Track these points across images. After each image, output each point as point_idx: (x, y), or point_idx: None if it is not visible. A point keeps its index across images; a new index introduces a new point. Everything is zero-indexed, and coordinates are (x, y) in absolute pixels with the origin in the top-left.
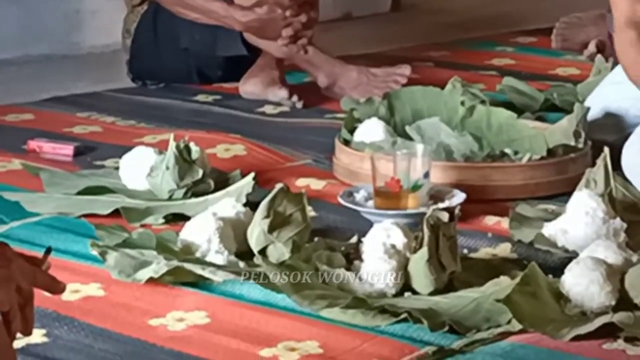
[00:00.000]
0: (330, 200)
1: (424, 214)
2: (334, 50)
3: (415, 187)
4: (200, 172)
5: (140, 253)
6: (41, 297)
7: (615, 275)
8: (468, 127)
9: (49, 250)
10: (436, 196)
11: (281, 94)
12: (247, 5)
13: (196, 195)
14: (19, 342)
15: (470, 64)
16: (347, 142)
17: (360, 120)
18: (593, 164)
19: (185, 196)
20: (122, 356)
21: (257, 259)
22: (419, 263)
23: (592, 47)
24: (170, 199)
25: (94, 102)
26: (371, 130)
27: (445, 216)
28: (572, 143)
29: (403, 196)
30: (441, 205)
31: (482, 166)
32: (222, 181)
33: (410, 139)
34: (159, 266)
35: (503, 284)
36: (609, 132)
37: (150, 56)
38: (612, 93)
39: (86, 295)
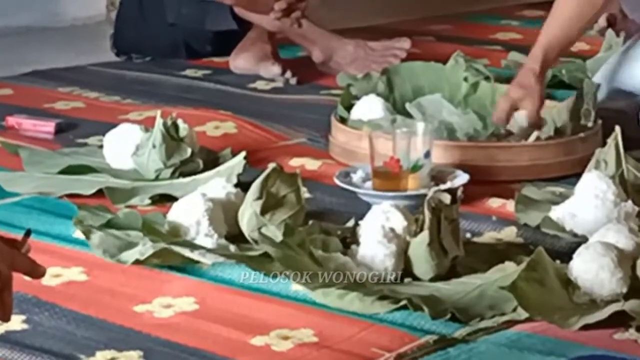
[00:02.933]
0: (326, 181)
1: (424, 195)
2: (330, 23)
3: (416, 168)
4: (189, 150)
5: (125, 234)
6: (20, 282)
7: (627, 261)
8: (472, 104)
9: (28, 232)
10: (438, 177)
11: (274, 69)
12: None
13: (184, 175)
14: None
15: (473, 38)
16: (343, 120)
17: (357, 97)
18: (603, 144)
19: (172, 176)
20: (106, 344)
21: (253, 233)
22: (419, 247)
23: (602, 22)
24: (156, 179)
25: (76, 77)
26: (369, 107)
27: (447, 198)
28: (582, 122)
29: (403, 177)
30: (443, 186)
31: (487, 146)
32: (212, 160)
33: (410, 116)
34: (145, 248)
35: (508, 270)
36: (617, 99)
37: (136, 30)
38: (620, 64)
39: (68, 279)
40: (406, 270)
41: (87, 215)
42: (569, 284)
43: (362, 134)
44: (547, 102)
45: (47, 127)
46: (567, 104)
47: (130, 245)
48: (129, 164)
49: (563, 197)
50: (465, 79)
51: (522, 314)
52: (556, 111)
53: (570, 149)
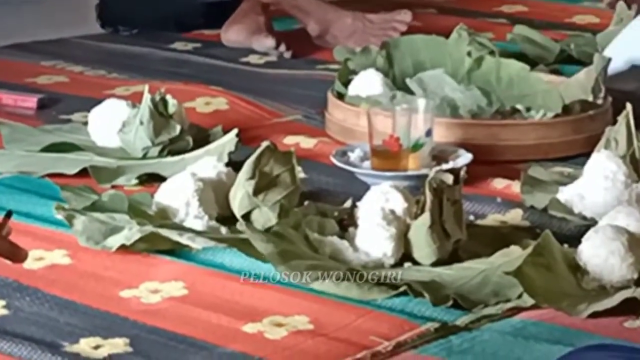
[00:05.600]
0: (322, 160)
1: (426, 175)
2: None
3: (417, 146)
4: (178, 128)
5: (110, 217)
6: (1, 265)
7: (638, 245)
8: (475, 80)
9: (9, 214)
10: (439, 156)
11: (267, 42)
12: None
13: (173, 153)
14: None
15: (477, 11)
16: (341, 96)
17: (355, 72)
18: (614, 122)
19: (160, 154)
20: (91, 330)
21: (240, 225)
22: (420, 230)
23: None
24: (144, 157)
25: (60, 50)
26: (368, 82)
27: (449, 178)
28: (591, 99)
29: (403, 156)
30: (445, 166)
31: (491, 124)
32: (202, 138)
33: (411, 92)
34: (131, 232)
35: (513, 255)
36: (628, 80)
37: (123, 1)
38: (632, 38)
39: (51, 263)
40: (406, 254)
41: (71, 196)
42: (577, 270)
43: (360, 111)
44: (555, 78)
45: (28, 103)
46: (575, 80)
47: (116, 229)
48: (114, 142)
49: (571, 178)
50: (469, 54)
51: (528, 300)
52: (564, 87)
53: (579, 127)
